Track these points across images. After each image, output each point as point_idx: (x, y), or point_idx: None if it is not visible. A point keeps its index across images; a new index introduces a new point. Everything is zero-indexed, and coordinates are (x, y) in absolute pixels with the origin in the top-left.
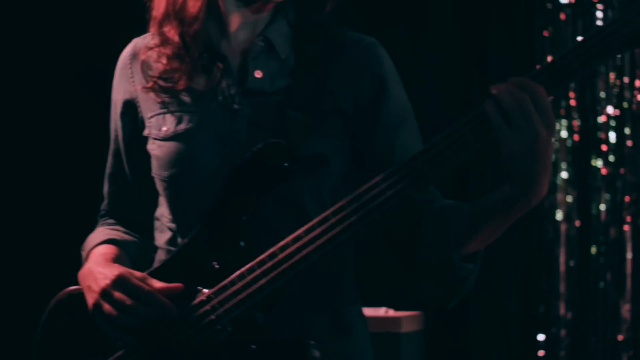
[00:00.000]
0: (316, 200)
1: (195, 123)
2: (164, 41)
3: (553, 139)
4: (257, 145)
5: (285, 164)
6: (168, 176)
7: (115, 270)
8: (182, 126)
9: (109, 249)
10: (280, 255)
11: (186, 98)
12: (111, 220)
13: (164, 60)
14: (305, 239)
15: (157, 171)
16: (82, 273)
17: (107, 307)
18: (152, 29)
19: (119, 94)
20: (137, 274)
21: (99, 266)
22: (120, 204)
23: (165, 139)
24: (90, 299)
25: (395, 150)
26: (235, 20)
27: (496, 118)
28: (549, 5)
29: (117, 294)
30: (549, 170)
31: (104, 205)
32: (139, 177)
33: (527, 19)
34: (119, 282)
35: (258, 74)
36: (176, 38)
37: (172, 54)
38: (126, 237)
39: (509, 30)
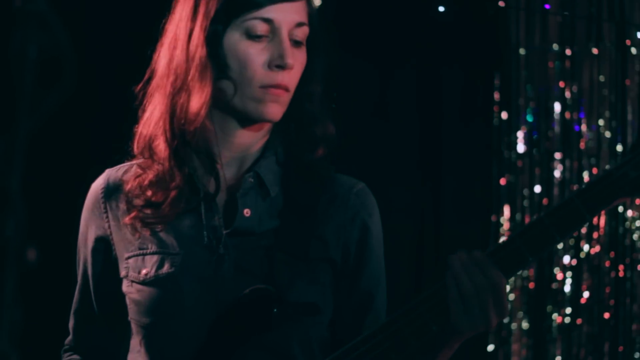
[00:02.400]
0: (305, 350)
1: (178, 267)
2: (152, 159)
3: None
4: (244, 292)
5: (275, 310)
6: (148, 323)
7: None
8: (164, 270)
9: None
10: None
11: (167, 238)
12: (76, 357)
13: (149, 191)
14: None
15: (136, 317)
16: None
17: None
18: (138, 148)
19: (90, 230)
20: None
21: None
22: (86, 340)
23: (145, 283)
24: None
25: (368, 316)
26: (223, 155)
27: (453, 298)
28: (506, 154)
29: None
30: None
31: (68, 340)
32: (107, 314)
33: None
34: None
35: (247, 212)
36: (165, 152)
37: (160, 174)
38: None
39: (464, 178)
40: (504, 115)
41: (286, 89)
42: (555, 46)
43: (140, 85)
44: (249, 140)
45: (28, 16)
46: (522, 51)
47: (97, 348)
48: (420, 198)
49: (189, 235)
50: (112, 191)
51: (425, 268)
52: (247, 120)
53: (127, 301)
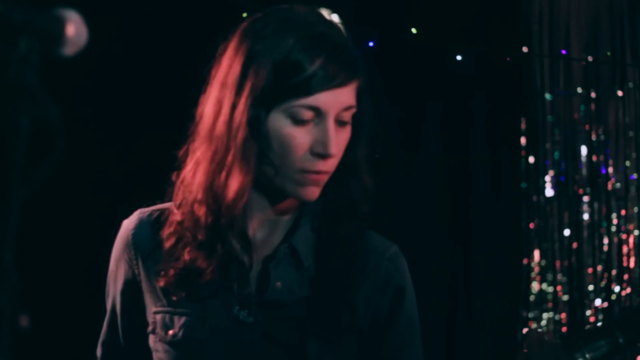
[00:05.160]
0: None
1: (207, 332)
2: (194, 223)
3: None
4: None
5: None
6: None
7: None
8: (193, 334)
9: None
10: None
11: (198, 299)
12: None
13: (188, 256)
14: None
15: None
16: None
17: None
18: (177, 200)
19: (119, 270)
20: None
21: None
22: None
23: (172, 344)
24: None
25: None
26: (255, 222)
27: None
28: (535, 198)
29: None
30: None
31: None
32: (134, 348)
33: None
34: None
35: (279, 285)
36: (208, 221)
37: (200, 241)
38: None
39: (494, 223)
40: (531, 159)
41: (326, 173)
42: (579, 89)
43: (182, 150)
44: (286, 206)
45: (21, 88)
46: (547, 95)
47: None
48: (451, 245)
49: (220, 300)
50: (143, 237)
51: (459, 312)
52: (285, 196)
53: (154, 357)
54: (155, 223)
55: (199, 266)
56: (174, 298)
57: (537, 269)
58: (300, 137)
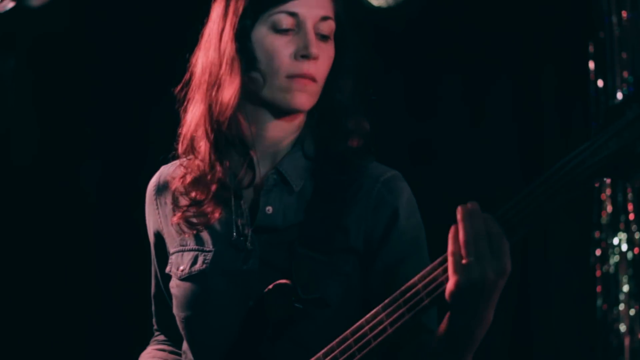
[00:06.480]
0: (331, 340)
1: (209, 264)
2: (195, 156)
3: (502, 282)
4: (268, 287)
5: (297, 305)
6: (184, 317)
7: None
8: (197, 267)
9: None
10: None
11: (204, 235)
12: (162, 337)
13: (193, 192)
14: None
15: (176, 311)
16: None
17: None
18: (183, 148)
19: (150, 223)
20: None
21: None
22: (165, 320)
23: (181, 278)
24: None
25: (395, 287)
26: (257, 151)
27: (454, 248)
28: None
29: None
30: (493, 307)
31: (154, 321)
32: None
33: None
34: None
35: (269, 210)
36: (205, 147)
37: (201, 171)
38: (170, 357)
39: (566, 147)
40: (600, 83)
41: (312, 79)
42: None
43: (179, 86)
44: (281, 133)
45: None
46: (613, 18)
47: (175, 327)
48: (522, 171)
49: (221, 233)
50: (162, 188)
51: (532, 237)
52: (278, 111)
53: (172, 296)
54: (172, 174)
55: (200, 198)
56: (186, 235)
57: (608, 191)
58: (283, 44)
